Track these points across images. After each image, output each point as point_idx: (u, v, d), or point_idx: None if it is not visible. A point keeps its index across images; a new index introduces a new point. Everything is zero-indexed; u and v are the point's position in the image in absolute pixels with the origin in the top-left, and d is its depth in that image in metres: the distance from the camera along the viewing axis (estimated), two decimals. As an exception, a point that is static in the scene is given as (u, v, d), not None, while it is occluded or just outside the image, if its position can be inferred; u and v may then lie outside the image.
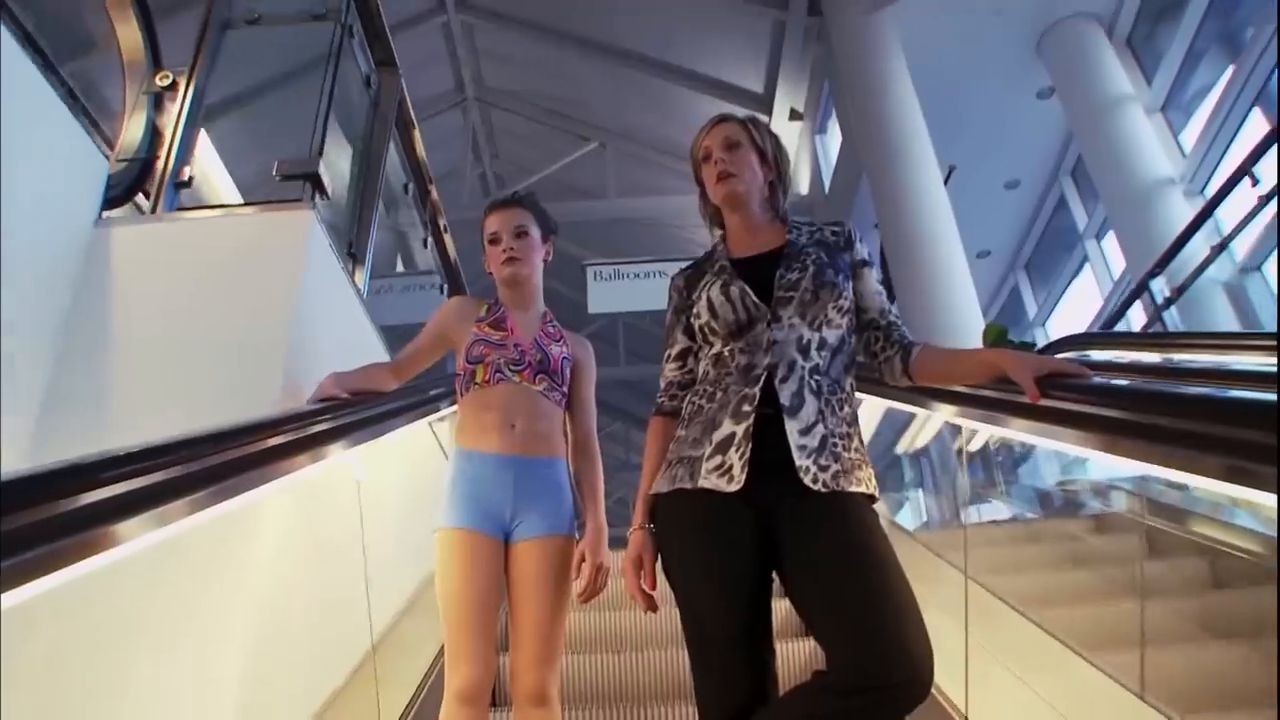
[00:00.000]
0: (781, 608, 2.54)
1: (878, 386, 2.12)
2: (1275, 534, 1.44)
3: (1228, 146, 6.80)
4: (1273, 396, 0.93)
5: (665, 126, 11.57)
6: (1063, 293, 9.90)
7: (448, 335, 2.04)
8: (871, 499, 1.48)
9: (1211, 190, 6.36)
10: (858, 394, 1.66)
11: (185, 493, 1.10)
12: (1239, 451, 0.93)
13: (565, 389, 2.00)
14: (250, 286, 2.17)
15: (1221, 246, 3.62)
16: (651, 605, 1.52)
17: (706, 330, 1.56)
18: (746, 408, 1.45)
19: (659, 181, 11.82)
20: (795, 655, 2.62)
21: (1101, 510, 2.53)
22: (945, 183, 7.05)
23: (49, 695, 1.08)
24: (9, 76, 2.02)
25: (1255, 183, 3.49)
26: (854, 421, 1.52)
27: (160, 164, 2.43)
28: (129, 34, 2.62)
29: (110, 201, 2.39)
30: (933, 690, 1.32)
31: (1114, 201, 7.44)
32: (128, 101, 2.66)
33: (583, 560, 1.88)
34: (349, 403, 1.74)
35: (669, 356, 1.67)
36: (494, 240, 2.01)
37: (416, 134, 3.61)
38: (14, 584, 0.77)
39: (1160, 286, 4.09)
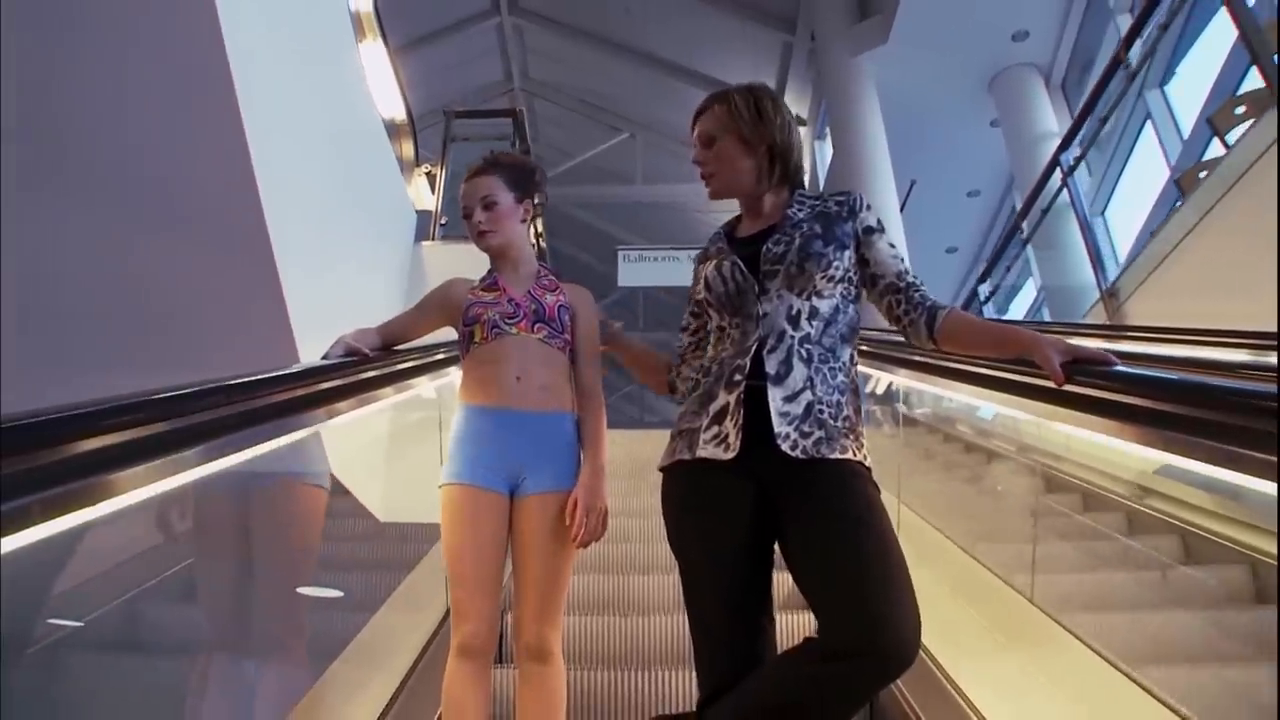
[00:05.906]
0: (786, 580, 3.16)
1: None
2: None
3: (1119, 176, 9.61)
4: None
5: (688, 122, 14.06)
6: (1017, 290, 12.68)
7: (446, 307, 2.09)
8: (862, 466, 1.53)
9: (1110, 213, 9.33)
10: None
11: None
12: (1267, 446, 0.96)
13: (567, 336, 2.04)
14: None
15: (989, 270, 6.50)
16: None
17: (705, 305, 1.70)
18: (738, 377, 1.55)
19: (682, 170, 14.32)
20: (800, 627, 2.74)
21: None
22: (903, 207, 9.87)
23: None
24: (393, 173, 5.01)
25: (1022, 233, 6.35)
26: (848, 391, 1.57)
27: (433, 214, 5.41)
28: (407, 146, 5.58)
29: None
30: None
31: (1034, 222, 10.26)
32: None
33: (576, 505, 1.90)
34: (370, 357, 1.99)
35: (682, 328, 1.85)
36: (466, 215, 2.06)
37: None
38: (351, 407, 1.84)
39: (985, 289, 6.97)
